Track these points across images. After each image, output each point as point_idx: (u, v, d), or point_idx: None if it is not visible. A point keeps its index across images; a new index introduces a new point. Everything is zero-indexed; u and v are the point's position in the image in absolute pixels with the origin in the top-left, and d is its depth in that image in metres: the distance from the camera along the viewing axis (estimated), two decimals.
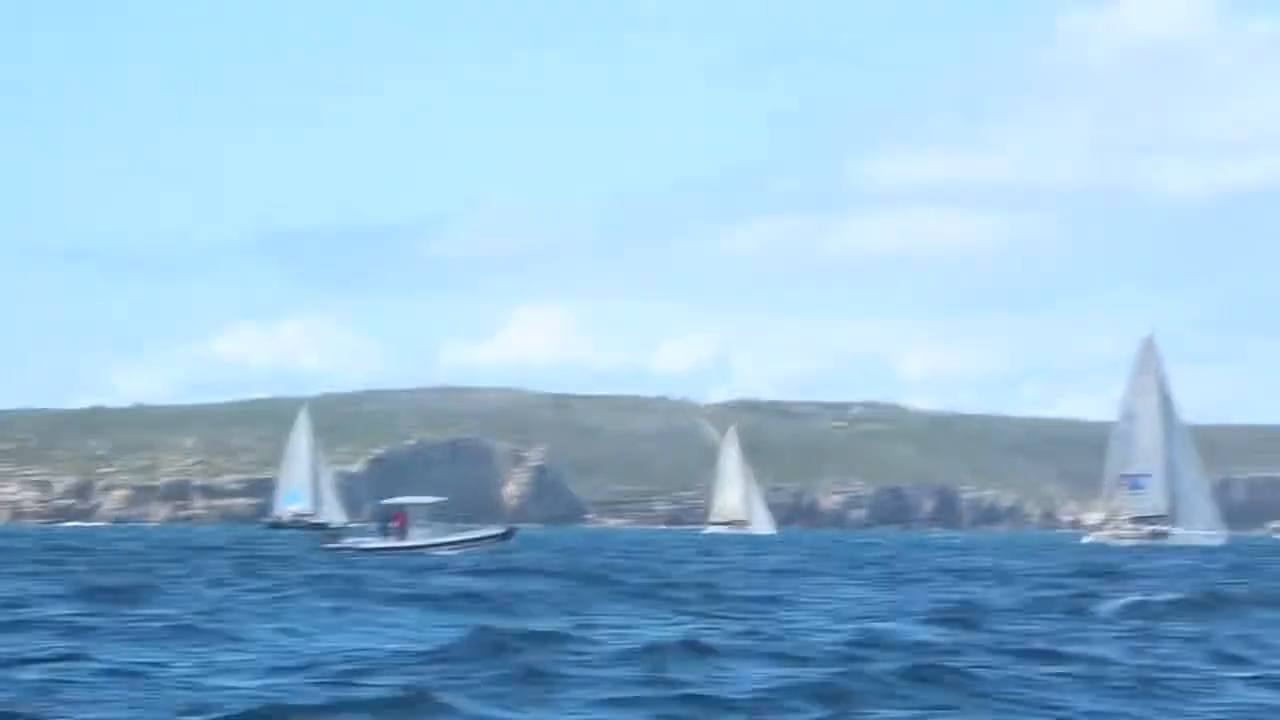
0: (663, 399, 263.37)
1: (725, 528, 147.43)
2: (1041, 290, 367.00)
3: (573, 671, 19.43)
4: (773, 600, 35.18)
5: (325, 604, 31.49)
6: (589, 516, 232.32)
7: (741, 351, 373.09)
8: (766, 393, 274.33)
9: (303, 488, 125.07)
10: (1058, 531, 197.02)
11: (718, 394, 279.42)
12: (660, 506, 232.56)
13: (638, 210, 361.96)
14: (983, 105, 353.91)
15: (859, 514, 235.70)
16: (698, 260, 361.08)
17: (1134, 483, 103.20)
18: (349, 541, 70.23)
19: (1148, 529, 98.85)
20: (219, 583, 39.82)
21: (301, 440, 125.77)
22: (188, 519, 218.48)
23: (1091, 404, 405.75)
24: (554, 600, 33.67)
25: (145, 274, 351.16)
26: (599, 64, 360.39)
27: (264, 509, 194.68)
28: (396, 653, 22.22)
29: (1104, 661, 21.83)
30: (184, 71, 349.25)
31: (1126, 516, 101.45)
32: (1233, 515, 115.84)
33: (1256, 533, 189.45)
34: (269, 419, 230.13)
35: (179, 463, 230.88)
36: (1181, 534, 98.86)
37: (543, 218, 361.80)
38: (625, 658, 20.94)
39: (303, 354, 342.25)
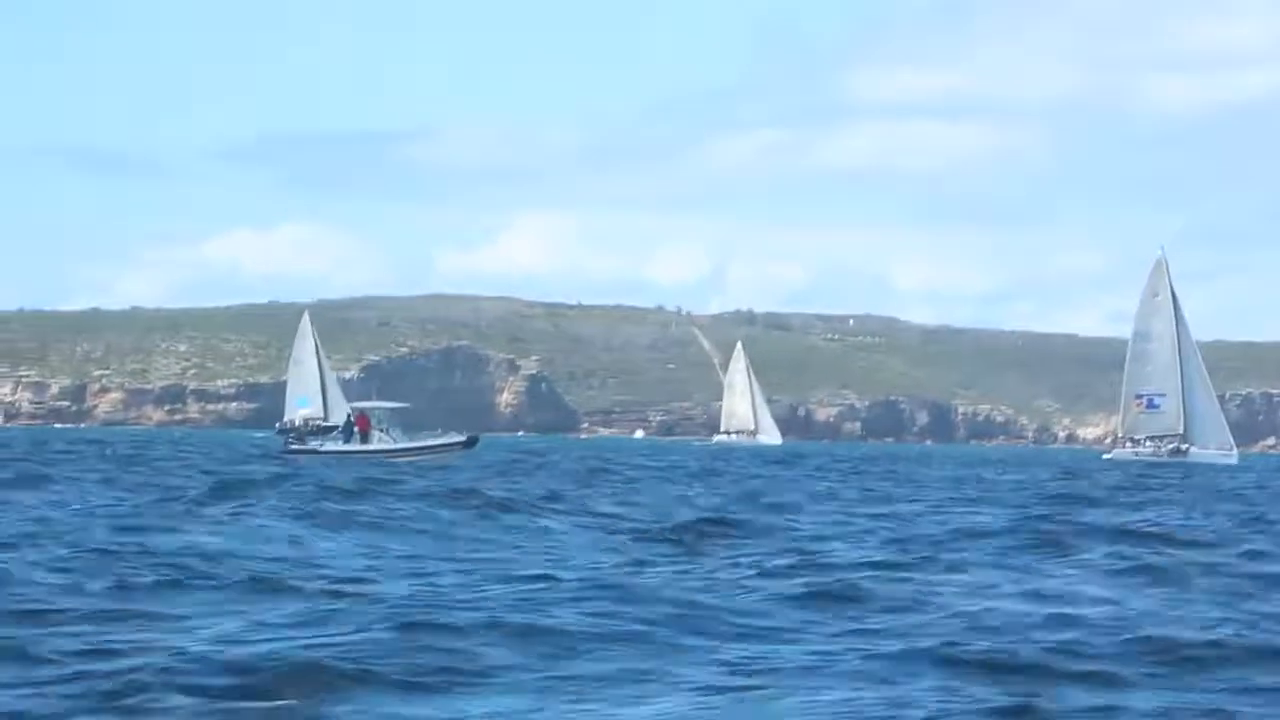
0: (658, 310, 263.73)
1: (734, 437, 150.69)
2: (1032, 204, 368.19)
3: None
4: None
5: None
6: (583, 426, 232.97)
7: (736, 263, 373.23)
8: (761, 304, 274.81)
9: (311, 393, 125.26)
10: (1076, 448, 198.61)
11: (713, 305, 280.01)
12: (655, 417, 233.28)
13: (633, 121, 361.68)
14: (969, 16, 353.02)
15: (853, 426, 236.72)
16: (693, 172, 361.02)
17: (1150, 402, 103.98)
18: (312, 444, 70.47)
19: (1168, 447, 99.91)
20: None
21: (308, 345, 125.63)
22: (182, 422, 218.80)
23: (1083, 319, 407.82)
24: None
25: (142, 178, 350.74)
26: None
27: (260, 413, 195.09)
28: None
29: None
30: None
31: (1143, 435, 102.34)
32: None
33: (1253, 450, 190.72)
34: (262, 324, 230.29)
35: (173, 366, 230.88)
36: (1198, 452, 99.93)
37: (538, 129, 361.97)
38: None
39: (297, 260, 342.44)
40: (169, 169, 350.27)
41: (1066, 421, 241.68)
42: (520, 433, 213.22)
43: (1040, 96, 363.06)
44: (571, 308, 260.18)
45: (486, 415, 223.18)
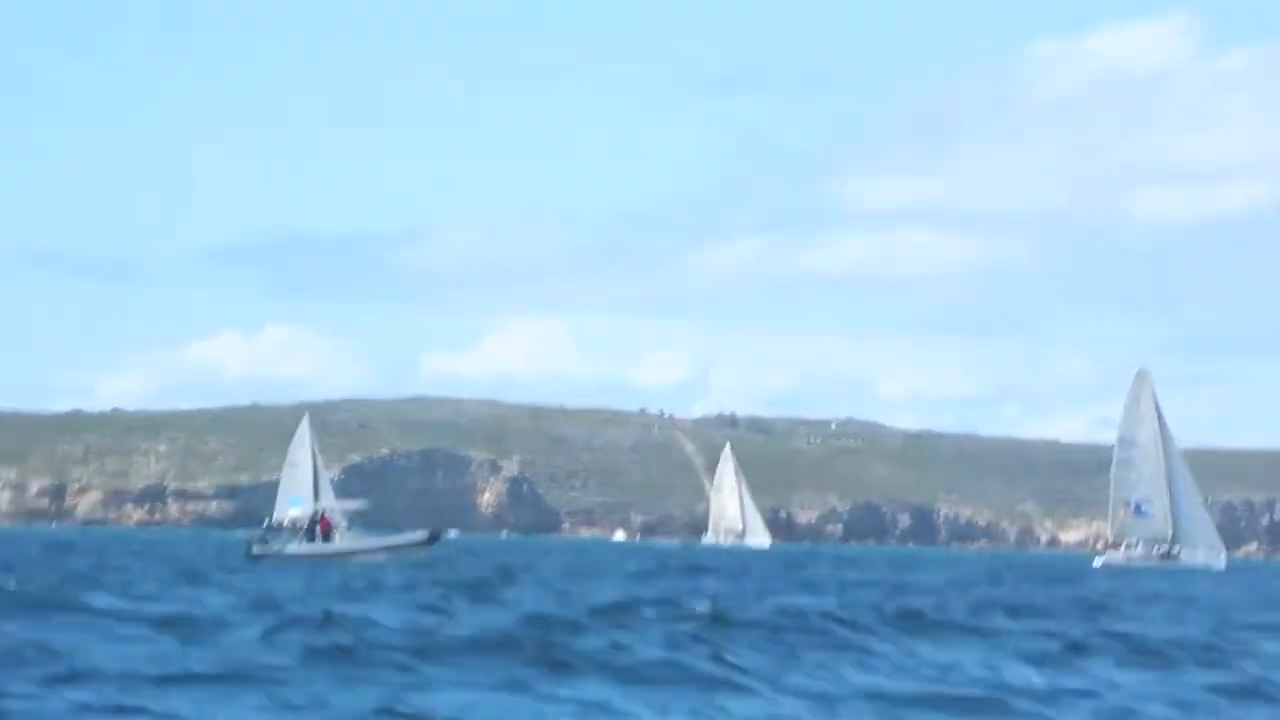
0: (640, 412, 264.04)
1: (722, 539, 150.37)
2: (1017, 313, 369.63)
3: None
4: None
5: None
6: (565, 526, 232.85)
7: (721, 367, 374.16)
8: (744, 408, 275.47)
9: (305, 494, 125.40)
10: (1060, 553, 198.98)
11: (696, 409, 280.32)
12: (637, 518, 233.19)
13: (619, 227, 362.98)
14: (954, 130, 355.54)
15: (835, 528, 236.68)
16: (679, 277, 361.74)
17: (1137, 508, 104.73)
18: (275, 546, 70.38)
19: (1159, 551, 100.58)
20: None
21: (304, 448, 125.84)
22: (161, 522, 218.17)
23: (1066, 425, 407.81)
24: None
25: (126, 281, 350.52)
26: (581, 82, 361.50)
27: (239, 513, 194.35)
28: None
29: None
30: (170, 77, 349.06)
31: (1135, 539, 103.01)
32: None
33: (1237, 555, 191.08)
34: (243, 427, 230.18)
35: (152, 467, 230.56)
36: (1188, 556, 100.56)
37: (524, 232, 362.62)
38: None
39: (281, 362, 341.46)
40: (153, 272, 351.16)
41: (1048, 525, 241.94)
42: (504, 533, 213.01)
43: (1025, 207, 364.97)
44: (554, 410, 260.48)
45: (468, 515, 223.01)
